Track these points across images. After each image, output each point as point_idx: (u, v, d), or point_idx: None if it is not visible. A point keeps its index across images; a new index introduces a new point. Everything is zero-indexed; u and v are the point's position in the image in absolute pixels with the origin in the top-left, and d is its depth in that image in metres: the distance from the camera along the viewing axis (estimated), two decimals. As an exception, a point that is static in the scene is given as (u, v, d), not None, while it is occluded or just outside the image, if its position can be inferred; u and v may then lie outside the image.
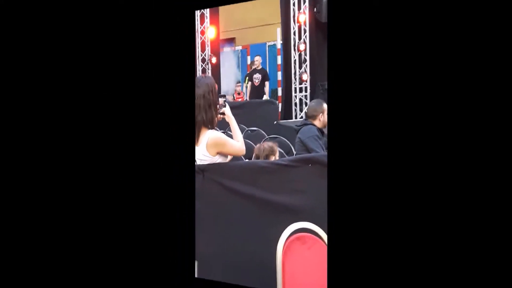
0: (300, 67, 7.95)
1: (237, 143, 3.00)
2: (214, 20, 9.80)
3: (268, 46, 12.76)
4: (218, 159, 2.91)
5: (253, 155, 3.56)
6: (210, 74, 9.13)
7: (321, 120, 4.65)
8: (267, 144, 3.51)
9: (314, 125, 4.54)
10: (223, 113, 3.06)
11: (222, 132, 3.60)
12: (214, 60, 9.70)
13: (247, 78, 9.29)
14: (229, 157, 3.04)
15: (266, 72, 9.22)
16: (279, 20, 8.46)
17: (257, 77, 9.08)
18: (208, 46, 9.59)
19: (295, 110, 7.92)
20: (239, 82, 9.42)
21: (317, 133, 4.48)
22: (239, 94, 9.04)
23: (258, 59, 9.37)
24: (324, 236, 2.58)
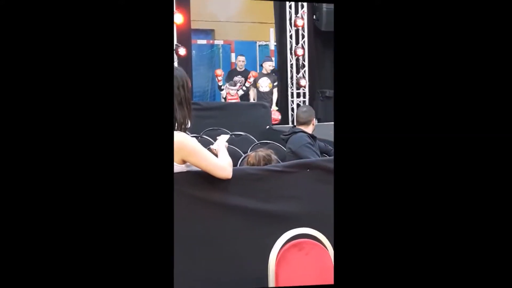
0: (297, 72, 7.88)
1: (217, 160, 2.51)
2: (184, 4, 8.14)
3: (259, 45, 12.62)
4: (187, 169, 2.46)
5: (246, 163, 3.39)
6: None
7: (314, 125, 4.59)
8: (264, 151, 3.34)
9: (304, 132, 4.43)
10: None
11: (196, 136, 3.41)
12: (182, 51, 7.93)
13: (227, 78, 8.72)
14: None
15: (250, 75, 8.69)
16: (272, 20, 8.37)
17: (239, 80, 8.61)
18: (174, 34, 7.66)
19: (292, 115, 7.82)
20: (234, 82, 8.76)
21: (309, 140, 4.38)
22: (232, 95, 8.54)
23: (242, 60, 8.74)
24: (324, 240, 2.50)
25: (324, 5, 7.68)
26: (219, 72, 8.88)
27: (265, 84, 8.62)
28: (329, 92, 7.67)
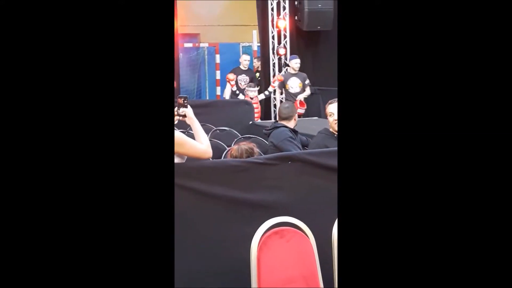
0: (280, 71, 7.90)
1: (200, 145, 2.62)
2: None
3: (242, 46, 12.69)
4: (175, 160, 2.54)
5: (229, 156, 3.39)
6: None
7: (296, 120, 4.60)
8: (247, 145, 3.34)
9: (286, 126, 4.44)
10: (184, 115, 2.70)
11: (183, 131, 3.44)
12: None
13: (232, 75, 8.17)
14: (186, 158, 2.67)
15: (255, 75, 8.43)
16: (255, 23, 8.37)
17: (243, 78, 8.15)
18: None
19: (274, 111, 7.85)
20: (251, 83, 7.95)
21: (290, 134, 4.39)
22: (252, 99, 7.51)
23: (246, 59, 8.23)
24: (305, 228, 2.53)
25: (306, 7, 7.71)
26: (231, 76, 7.90)
27: (295, 85, 7.63)
28: (311, 89, 7.70)
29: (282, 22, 7.74)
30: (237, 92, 7.83)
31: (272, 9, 7.91)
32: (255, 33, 8.94)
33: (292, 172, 2.78)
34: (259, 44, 8.63)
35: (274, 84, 7.79)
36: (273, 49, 7.87)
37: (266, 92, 7.83)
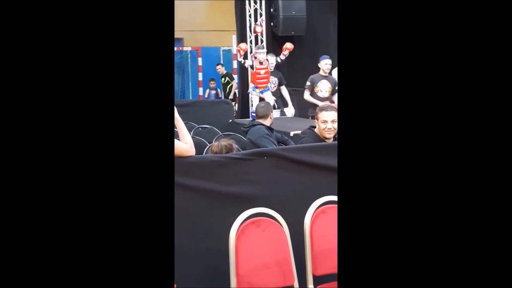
0: (257, 73, 7.91)
1: (184, 145, 2.60)
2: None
3: (223, 50, 12.73)
4: None
5: (210, 152, 3.41)
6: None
7: (272, 118, 4.64)
8: (226, 141, 3.37)
9: (263, 124, 4.48)
10: None
11: None
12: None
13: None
14: None
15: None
16: (234, 28, 8.38)
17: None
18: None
19: (252, 110, 7.86)
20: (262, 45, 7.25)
21: (267, 131, 4.42)
22: (261, 64, 6.71)
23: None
24: (279, 217, 2.57)
25: (281, 13, 7.76)
26: (243, 46, 7.12)
27: (325, 89, 6.51)
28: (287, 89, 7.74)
29: (259, 28, 7.76)
30: (242, 61, 7.18)
31: (250, 16, 7.92)
32: (234, 38, 8.92)
33: (267, 166, 2.80)
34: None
35: (285, 52, 7.03)
36: (251, 52, 7.89)
37: (278, 60, 7.05)
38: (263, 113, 4.56)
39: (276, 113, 6.28)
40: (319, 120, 3.65)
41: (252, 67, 6.88)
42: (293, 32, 7.52)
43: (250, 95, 7.01)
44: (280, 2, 7.83)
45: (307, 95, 6.52)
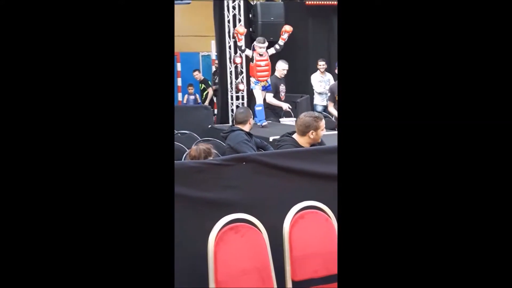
0: (236, 78, 7.90)
1: None
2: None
3: (202, 56, 12.69)
4: None
5: (189, 156, 3.39)
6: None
7: (251, 124, 4.63)
8: (204, 145, 3.35)
9: (242, 130, 4.47)
10: None
11: None
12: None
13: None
14: None
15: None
16: (213, 33, 8.37)
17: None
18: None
19: (232, 115, 7.85)
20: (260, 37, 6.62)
21: (246, 137, 4.42)
22: (261, 56, 6.33)
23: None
24: (258, 223, 2.56)
25: (259, 19, 7.78)
26: (241, 29, 6.64)
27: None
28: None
29: (238, 59, 7.66)
30: (243, 47, 6.74)
31: (229, 21, 7.91)
32: (213, 43, 8.90)
33: (246, 172, 2.79)
34: (216, 54, 8.62)
35: (284, 36, 6.65)
36: (230, 58, 7.87)
37: (277, 46, 6.74)
38: (242, 119, 4.57)
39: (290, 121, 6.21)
40: (320, 128, 3.57)
41: (251, 59, 6.49)
42: (271, 38, 7.53)
43: (253, 90, 6.51)
44: (258, 8, 7.85)
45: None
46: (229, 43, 7.91)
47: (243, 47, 6.68)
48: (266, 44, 6.46)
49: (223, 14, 7.94)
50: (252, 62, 6.47)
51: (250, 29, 8.03)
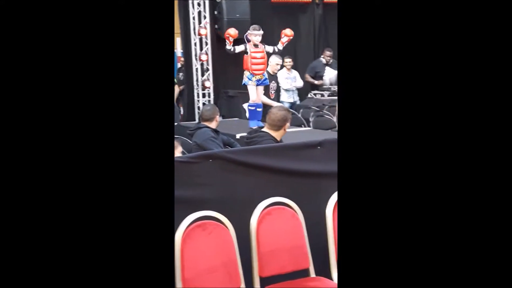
0: (202, 75, 7.86)
1: None
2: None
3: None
4: None
5: None
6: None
7: (217, 121, 4.62)
8: None
9: (208, 127, 4.45)
10: None
11: None
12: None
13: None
14: None
15: None
16: (178, 31, 8.30)
17: None
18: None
19: (198, 113, 7.80)
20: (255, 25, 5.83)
21: (212, 134, 4.42)
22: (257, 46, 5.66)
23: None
24: (225, 220, 2.55)
25: (225, 16, 7.75)
26: (233, 32, 5.60)
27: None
28: (232, 92, 7.71)
29: (203, 31, 7.71)
30: (232, 49, 5.79)
31: (194, 18, 7.85)
32: (178, 41, 8.83)
33: (213, 169, 2.77)
34: (182, 51, 8.56)
35: (284, 40, 5.83)
36: (195, 55, 7.82)
37: (276, 49, 5.95)
38: (208, 116, 4.55)
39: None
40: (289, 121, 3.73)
41: (246, 52, 5.73)
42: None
43: (247, 86, 5.76)
44: (224, 5, 7.80)
45: None
46: (194, 40, 7.86)
47: (232, 49, 5.79)
48: (262, 32, 5.71)
49: (188, 11, 7.89)
50: (247, 54, 5.70)
51: (216, 26, 8.00)
